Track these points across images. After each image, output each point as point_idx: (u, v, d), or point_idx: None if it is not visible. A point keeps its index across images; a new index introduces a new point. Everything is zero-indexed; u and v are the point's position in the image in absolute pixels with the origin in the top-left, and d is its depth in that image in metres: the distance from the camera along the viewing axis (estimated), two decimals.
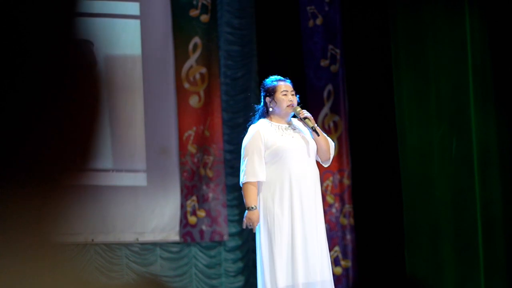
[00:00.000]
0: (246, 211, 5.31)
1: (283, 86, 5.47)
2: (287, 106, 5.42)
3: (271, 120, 5.45)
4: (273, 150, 5.30)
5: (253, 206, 5.27)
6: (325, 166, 5.62)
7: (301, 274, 5.20)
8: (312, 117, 5.47)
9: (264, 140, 5.32)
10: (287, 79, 5.54)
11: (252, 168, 5.29)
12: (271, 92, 5.45)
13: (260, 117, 5.50)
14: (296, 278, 5.20)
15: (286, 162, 5.30)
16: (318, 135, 5.37)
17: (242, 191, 5.36)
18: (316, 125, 5.45)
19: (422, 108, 8.33)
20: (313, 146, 5.40)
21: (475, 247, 7.97)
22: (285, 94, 5.43)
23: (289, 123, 5.48)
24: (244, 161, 5.34)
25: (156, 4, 8.85)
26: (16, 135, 1.06)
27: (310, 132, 5.41)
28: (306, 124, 5.41)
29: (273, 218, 5.26)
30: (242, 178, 5.33)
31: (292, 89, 5.48)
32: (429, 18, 8.32)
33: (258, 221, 5.27)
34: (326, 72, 9.37)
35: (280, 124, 5.43)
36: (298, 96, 5.55)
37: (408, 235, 8.38)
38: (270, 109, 5.45)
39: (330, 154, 5.47)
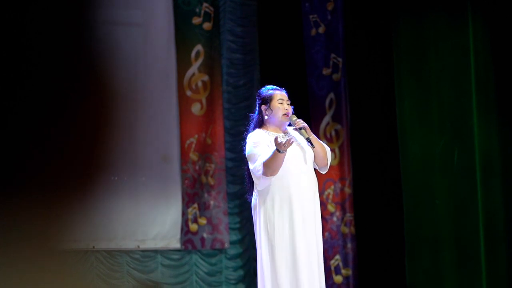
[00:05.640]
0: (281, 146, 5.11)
1: (279, 95, 5.47)
2: (283, 114, 5.42)
3: (268, 130, 5.44)
4: None
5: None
6: (323, 172, 5.59)
7: (305, 284, 5.19)
8: (308, 127, 5.45)
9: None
10: (282, 88, 5.55)
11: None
12: (267, 100, 5.46)
13: (255, 127, 5.48)
14: None
15: (285, 171, 5.28)
16: (314, 147, 5.35)
17: (266, 170, 5.20)
18: (312, 134, 5.43)
19: (424, 117, 8.33)
20: (310, 154, 5.39)
21: (476, 258, 7.95)
22: (281, 103, 5.44)
23: (285, 132, 5.47)
24: (253, 162, 5.24)
25: (158, 12, 8.86)
26: (22, 146, 1.06)
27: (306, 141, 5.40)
28: (301, 134, 5.41)
29: (273, 228, 5.25)
30: (260, 171, 5.18)
31: (287, 98, 5.49)
32: (432, 27, 8.32)
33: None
34: (328, 80, 9.37)
35: (277, 134, 5.41)
36: (297, 106, 5.54)
37: (409, 244, 8.37)
38: (266, 117, 5.44)
39: (327, 160, 5.46)
